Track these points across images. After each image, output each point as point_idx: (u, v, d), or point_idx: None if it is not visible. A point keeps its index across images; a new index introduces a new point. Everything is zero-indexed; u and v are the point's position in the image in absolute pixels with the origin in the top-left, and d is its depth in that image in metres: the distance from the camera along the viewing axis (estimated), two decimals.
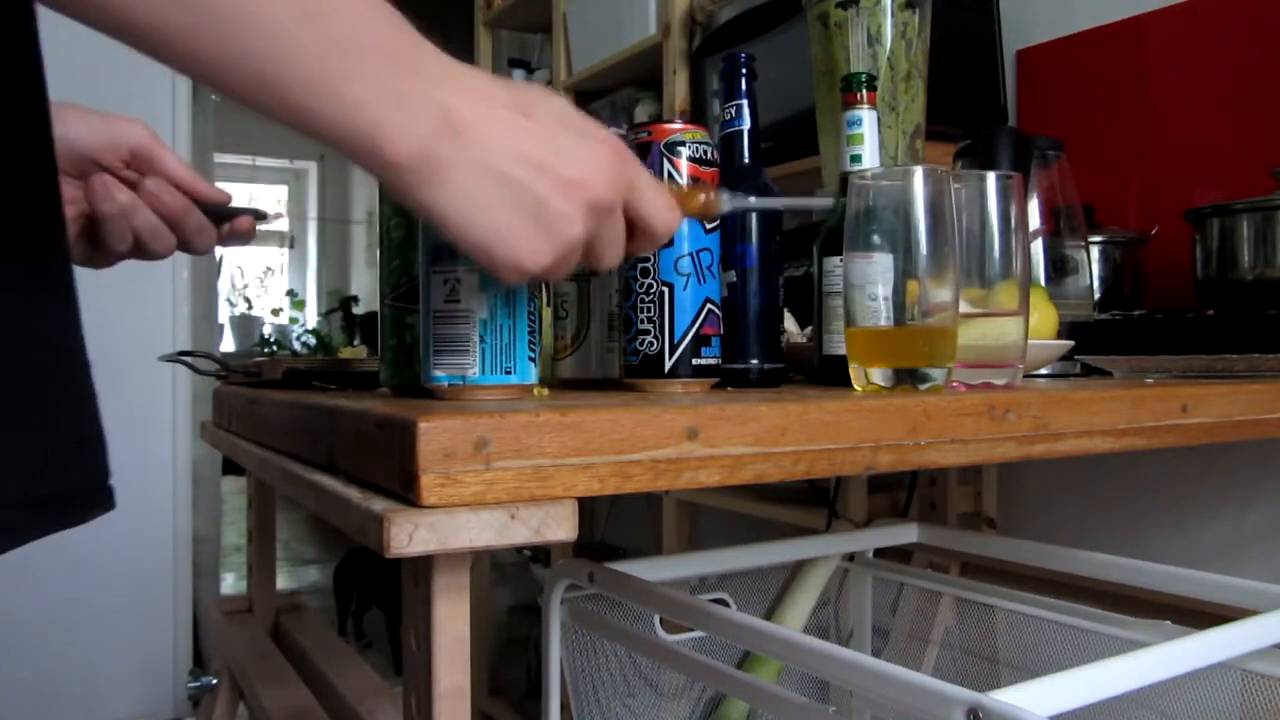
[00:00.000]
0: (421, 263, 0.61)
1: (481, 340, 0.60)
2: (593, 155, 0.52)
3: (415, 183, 0.48)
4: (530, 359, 0.62)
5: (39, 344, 0.48)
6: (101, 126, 0.70)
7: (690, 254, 0.73)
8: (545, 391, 0.75)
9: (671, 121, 0.76)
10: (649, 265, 0.73)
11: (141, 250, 0.72)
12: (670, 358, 0.73)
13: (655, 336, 0.73)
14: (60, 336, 0.50)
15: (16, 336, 0.47)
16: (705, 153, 0.75)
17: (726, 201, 0.68)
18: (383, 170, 0.47)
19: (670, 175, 0.74)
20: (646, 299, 0.74)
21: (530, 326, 0.62)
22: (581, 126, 0.53)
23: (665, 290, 0.73)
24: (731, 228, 0.79)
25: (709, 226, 0.74)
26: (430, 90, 0.47)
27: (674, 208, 0.59)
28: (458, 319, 0.60)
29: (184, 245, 0.74)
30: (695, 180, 0.74)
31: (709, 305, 0.74)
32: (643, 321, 0.74)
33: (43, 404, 0.48)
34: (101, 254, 0.73)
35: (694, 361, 0.73)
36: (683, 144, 0.74)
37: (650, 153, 0.74)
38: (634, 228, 0.57)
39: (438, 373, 0.60)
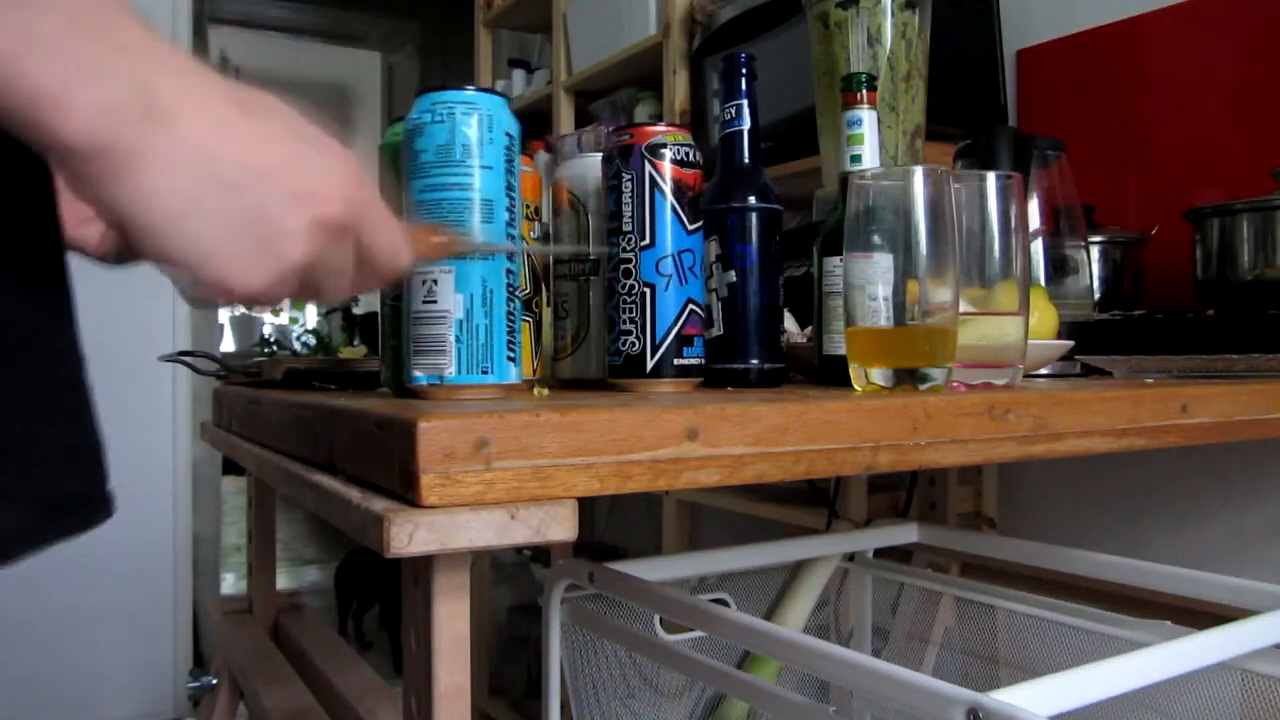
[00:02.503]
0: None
1: (457, 340, 0.60)
2: (326, 168, 0.45)
3: (99, 173, 0.39)
4: (509, 359, 0.62)
5: (41, 347, 0.48)
6: None
7: (672, 255, 0.74)
8: (545, 391, 0.75)
9: (654, 124, 0.76)
10: (631, 266, 0.74)
11: None
12: (652, 358, 0.74)
13: (637, 337, 0.74)
14: (60, 339, 0.50)
15: (20, 339, 0.47)
16: (688, 155, 0.75)
17: (466, 243, 0.61)
18: (55, 152, 0.38)
19: (652, 180, 0.74)
20: (628, 300, 0.74)
21: (509, 326, 0.62)
22: (314, 135, 0.46)
23: (647, 291, 0.74)
24: (731, 228, 0.79)
25: (691, 228, 0.75)
26: (124, 60, 0.38)
27: (403, 246, 0.51)
28: (434, 319, 0.60)
29: None
30: (678, 184, 0.74)
31: (691, 306, 0.74)
32: (625, 322, 0.75)
33: (45, 408, 0.48)
34: (130, 254, 0.72)
35: (676, 361, 0.74)
36: (664, 146, 0.75)
37: (632, 155, 0.75)
38: (360, 258, 0.49)
39: (417, 373, 0.61)
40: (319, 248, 0.45)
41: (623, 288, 0.75)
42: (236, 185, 0.41)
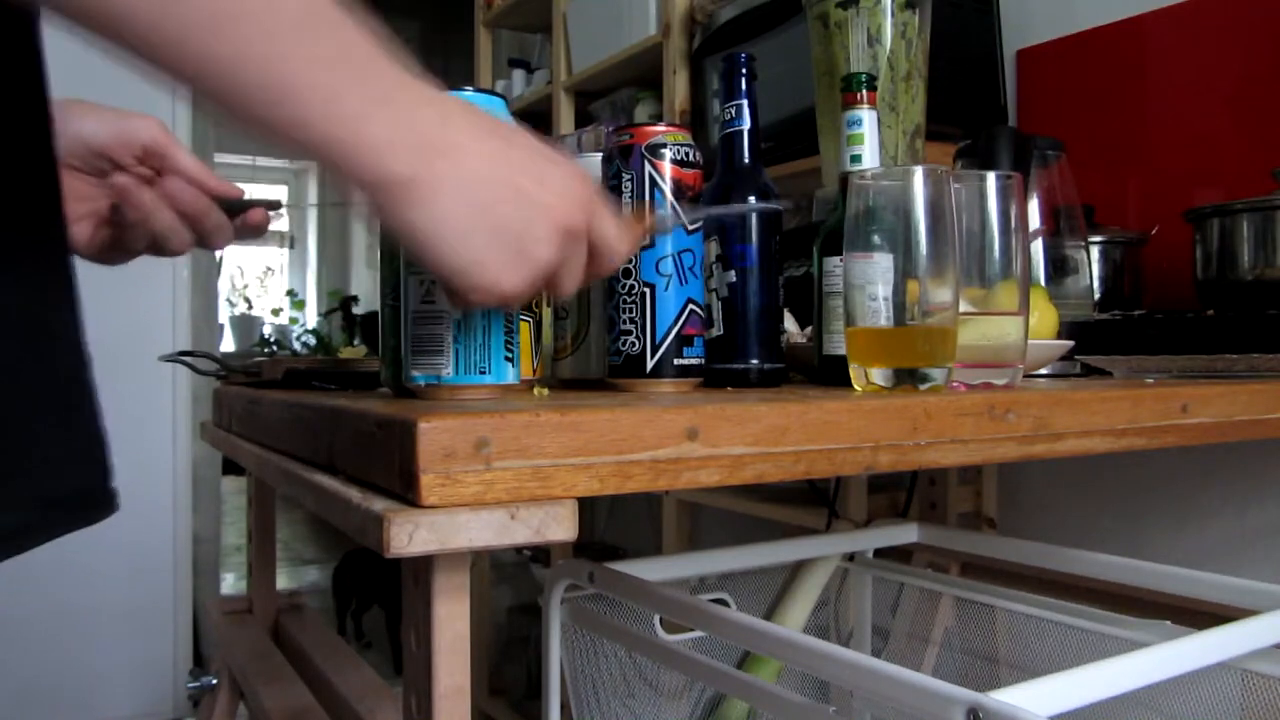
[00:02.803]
0: (402, 264, 0.62)
1: (455, 341, 0.61)
2: (566, 182, 0.53)
3: (400, 202, 0.47)
4: (507, 359, 0.62)
5: (46, 343, 0.48)
6: (114, 122, 0.69)
7: (672, 255, 0.74)
8: (545, 391, 0.75)
9: (654, 124, 0.76)
10: (630, 266, 0.74)
11: (159, 248, 0.72)
12: (652, 358, 0.74)
13: (637, 337, 0.74)
14: (65, 336, 0.50)
15: (26, 335, 0.47)
16: (688, 154, 0.75)
17: (664, 221, 0.71)
18: (368, 188, 0.46)
19: (652, 180, 0.74)
20: (628, 300, 0.74)
21: (507, 327, 0.62)
22: (550, 155, 0.53)
23: (647, 291, 0.74)
24: (731, 228, 0.79)
25: (691, 228, 0.75)
26: (422, 109, 0.47)
27: (629, 236, 0.59)
28: (432, 320, 0.61)
29: (201, 242, 0.73)
30: (678, 184, 0.75)
31: (691, 306, 0.74)
32: (625, 322, 0.75)
33: (50, 404, 0.48)
34: (119, 252, 0.73)
35: (676, 362, 0.74)
36: (664, 146, 0.75)
37: (632, 155, 0.75)
38: (591, 253, 0.57)
39: (415, 373, 0.62)
40: (563, 250, 0.53)
41: (622, 288, 0.75)
42: (505, 203, 0.50)
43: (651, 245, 0.74)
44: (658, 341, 0.74)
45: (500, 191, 0.49)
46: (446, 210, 0.48)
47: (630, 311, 0.74)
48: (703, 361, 0.76)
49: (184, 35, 0.40)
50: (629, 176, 0.75)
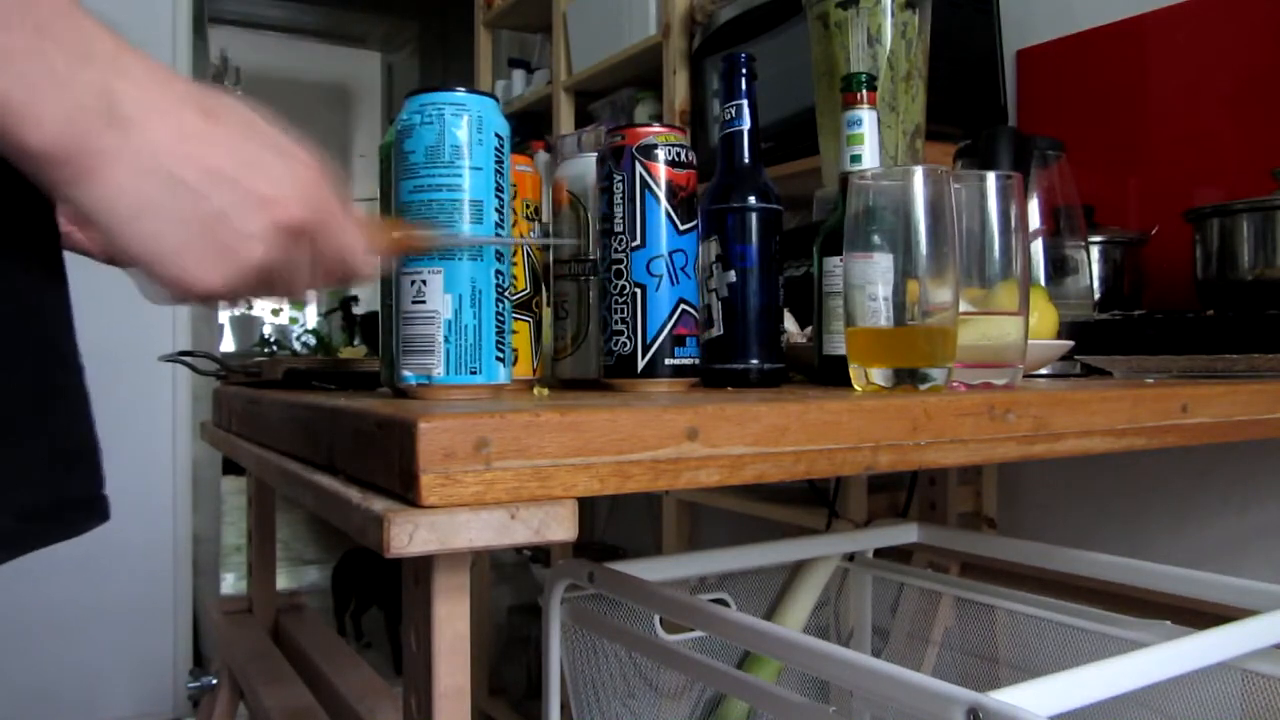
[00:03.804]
0: (394, 263, 0.62)
1: (446, 340, 0.60)
2: (287, 172, 0.47)
3: (64, 178, 0.40)
4: (498, 359, 0.62)
5: (37, 349, 0.48)
6: None
7: (664, 255, 0.74)
8: (545, 391, 0.75)
9: (646, 124, 0.76)
10: (623, 267, 0.74)
11: None
12: (643, 358, 0.74)
13: (629, 337, 0.74)
14: (56, 340, 0.50)
15: (15, 341, 0.46)
16: (680, 155, 0.75)
17: (433, 238, 0.61)
18: (23, 160, 0.40)
19: (643, 181, 0.74)
20: (620, 300, 0.75)
21: (498, 327, 0.62)
22: (277, 141, 0.47)
23: (638, 291, 0.74)
24: (731, 228, 0.79)
25: (683, 228, 0.75)
26: (88, 71, 0.40)
27: (363, 246, 0.53)
28: (423, 320, 0.61)
29: None
30: (670, 185, 0.74)
31: (683, 306, 0.75)
32: (617, 323, 0.75)
33: (42, 412, 0.48)
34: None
35: (668, 361, 0.74)
36: (656, 147, 0.75)
37: (623, 156, 0.75)
38: (325, 258, 0.51)
39: (406, 372, 0.62)
40: (278, 249, 0.47)
41: (615, 288, 0.75)
42: (196, 189, 0.43)
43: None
44: (649, 341, 0.74)
45: (192, 173, 0.43)
46: (114, 189, 0.41)
47: (622, 312, 0.75)
48: (697, 361, 0.76)
49: None
50: (620, 178, 0.75)
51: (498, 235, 0.63)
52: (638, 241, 0.74)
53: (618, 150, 0.75)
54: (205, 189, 0.43)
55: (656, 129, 0.75)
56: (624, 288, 0.75)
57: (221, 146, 0.44)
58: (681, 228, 0.75)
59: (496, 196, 0.62)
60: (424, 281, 0.60)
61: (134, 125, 0.41)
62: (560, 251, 0.86)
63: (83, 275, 0.62)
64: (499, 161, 0.63)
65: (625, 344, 0.75)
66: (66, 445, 0.49)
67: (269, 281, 0.48)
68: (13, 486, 0.46)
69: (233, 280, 0.46)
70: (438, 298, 0.60)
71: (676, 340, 0.74)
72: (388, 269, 0.64)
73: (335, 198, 0.50)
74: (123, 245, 0.43)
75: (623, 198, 0.75)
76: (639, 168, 0.74)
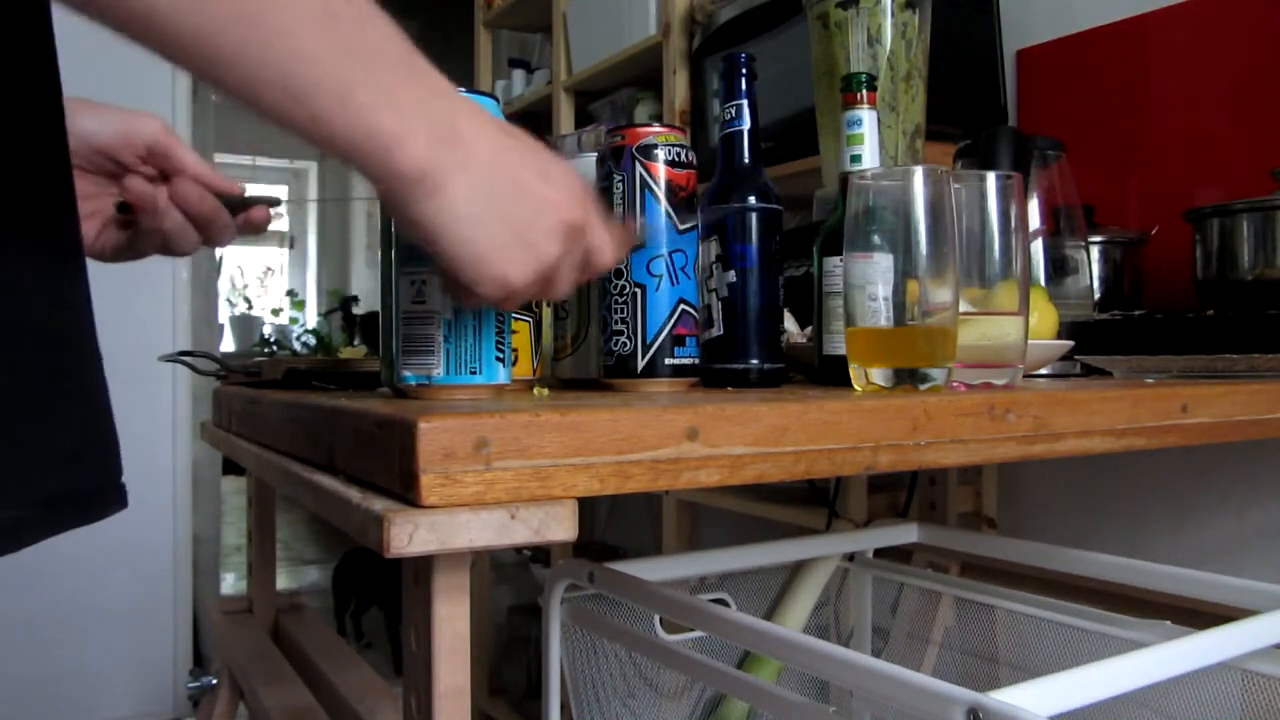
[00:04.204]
0: (394, 263, 0.62)
1: (446, 340, 0.61)
2: (565, 180, 0.54)
3: (420, 194, 0.47)
4: (498, 359, 0.62)
5: (56, 339, 0.49)
6: (118, 121, 0.69)
7: (663, 255, 0.74)
8: (545, 391, 0.75)
9: (645, 124, 0.76)
10: (622, 267, 0.74)
11: (166, 249, 0.72)
12: (642, 358, 0.74)
13: (628, 337, 0.74)
14: (75, 331, 0.50)
15: (34, 331, 0.47)
16: (679, 155, 0.75)
17: (651, 230, 0.72)
18: (389, 179, 0.47)
19: (642, 181, 0.75)
20: (620, 300, 0.75)
21: (498, 327, 0.62)
22: (551, 155, 0.54)
23: (638, 291, 0.74)
24: (732, 228, 0.79)
25: (683, 228, 0.75)
26: (433, 101, 0.47)
27: (616, 243, 0.60)
28: (423, 320, 0.61)
29: (206, 241, 0.74)
30: (670, 185, 0.75)
31: (683, 306, 0.75)
32: (616, 323, 0.75)
33: (59, 399, 0.48)
34: (129, 253, 0.73)
35: (668, 361, 0.74)
36: (655, 147, 0.75)
37: (623, 156, 0.75)
38: (585, 254, 0.57)
39: (406, 373, 0.62)
40: (565, 246, 0.54)
41: (614, 288, 0.75)
42: (513, 196, 0.50)
43: (640, 248, 0.74)
44: (648, 341, 0.74)
45: (508, 184, 0.50)
46: (456, 202, 0.48)
47: (622, 312, 0.75)
48: (696, 361, 0.76)
49: (201, 33, 0.40)
50: (620, 178, 0.75)
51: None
52: (633, 246, 0.74)
53: (617, 150, 0.75)
54: (517, 197, 0.50)
55: (656, 129, 0.75)
56: (624, 288, 0.75)
57: (523, 161, 0.51)
58: (681, 227, 0.75)
59: None
60: (424, 282, 0.60)
61: (470, 145, 0.48)
62: None
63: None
64: None
65: (625, 344, 0.75)
66: (83, 431, 0.50)
67: (551, 277, 0.55)
68: (39, 472, 0.47)
69: (535, 275, 0.52)
70: (438, 298, 0.60)
71: (676, 340, 0.74)
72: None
73: (595, 201, 0.57)
74: (457, 249, 0.49)
75: (622, 198, 0.75)
76: (639, 168, 0.74)
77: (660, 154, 0.75)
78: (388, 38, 0.46)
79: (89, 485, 0.51)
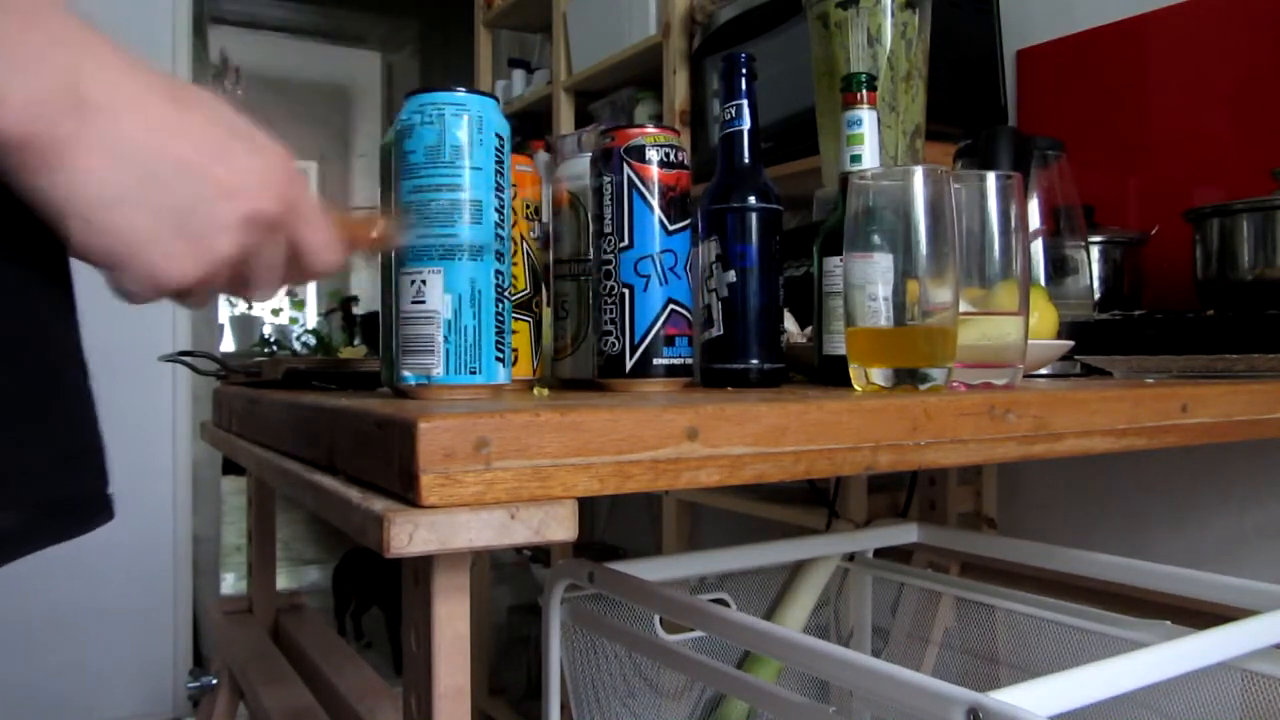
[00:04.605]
0: (393, 263, 0.62)
1: (445, 340, 0.61)
2: (257, 163, 0.46)
3: (28, 166, 0.39)
4: (498, 359, 0.62)
5: (40, 348, 0.48)
6: None
7: (651, 256, 0.74)
8: (545, 391, 0.75)
9: (636, 125, 0.76)
10: (611, 268, 0.74)
11: None
12: (631, 358, 0.74)
13: (617, 337, 0.75)
14: (60, 340, 0.50)
15: (19, 340, 0.46)
16: (669, 155, 0.75)
17: (403, 235, 0.62)
18: None
19: (631, 183, 0.74)
20: (610, 301, 0.75)
21: (498, 327, 0.62)
22: (246, 131, 0.46)
23: (626, 292, 0.74)
24: (731, 228, 0.79)
25: (673, 228, 0.75)
26: (57, 54, 0.39)
27: (335, 242, 0.52)
28: (422, 320, 0.61)
29: None
30: (660, 186, 0.74)
31: (672, 306, 0.75)
32: (606, 323, 0.75)
33: (45, 408, 0.48)
34: None
35: (657, 361, 0.74)
36: (644, 148, 0.75)
37: (612, 158, 0.75)
38: (292, 254, 0.50)
39: (405, 372, 0.62)
40: (250, 242, 0.46)
41: (604, 289, 0.76)
42: (166, 179, 0.42)
43: (390, 248, 0.64)
44: (637, 341, 0.74)
45: (162, 163, 0.42)
46: (83, 178, 0.40)
47: (611, 312, 0.75)
48: (688, 361, 0.76)
49: None
50: (609, 179, 0.75)
51: (497, 235, 0.63)
52: (626, 242, 0.74)
53: (607, 152, 0.76)
54: (175, 179, 0.42)
55: (646, 130, 0.76)
56: (612, 288, 0.75)
57: (192, 136, 0.43)
58: (671, 228, 0.75)
59: (496, 196, 0.62)
60: (424, 281, 0.60)
61: (102, 112, 0.40)
62: (560, 251, 0.86)
63: (82, 276, 0.62)
64: (499, 161, 0.63)
65: (614, 344, 0.75)
66: (73, 443, 0.50)
67: (239, 276, 0.47)
68: (21, 483, 0.46)
69: (203, 273, 0.44)
70: (437, 298, 0.60)
71: (666, 340, 0.75)
72: (377, 265, 0.63)
73: (305, 191, 0.49)
74: (90, 238, 0.42)
75: (611, 199, 0.75)
76: (627, 169, 0.75)
77: (649, 155, 0.75)
78: None
79: (77, 496, 0.50)
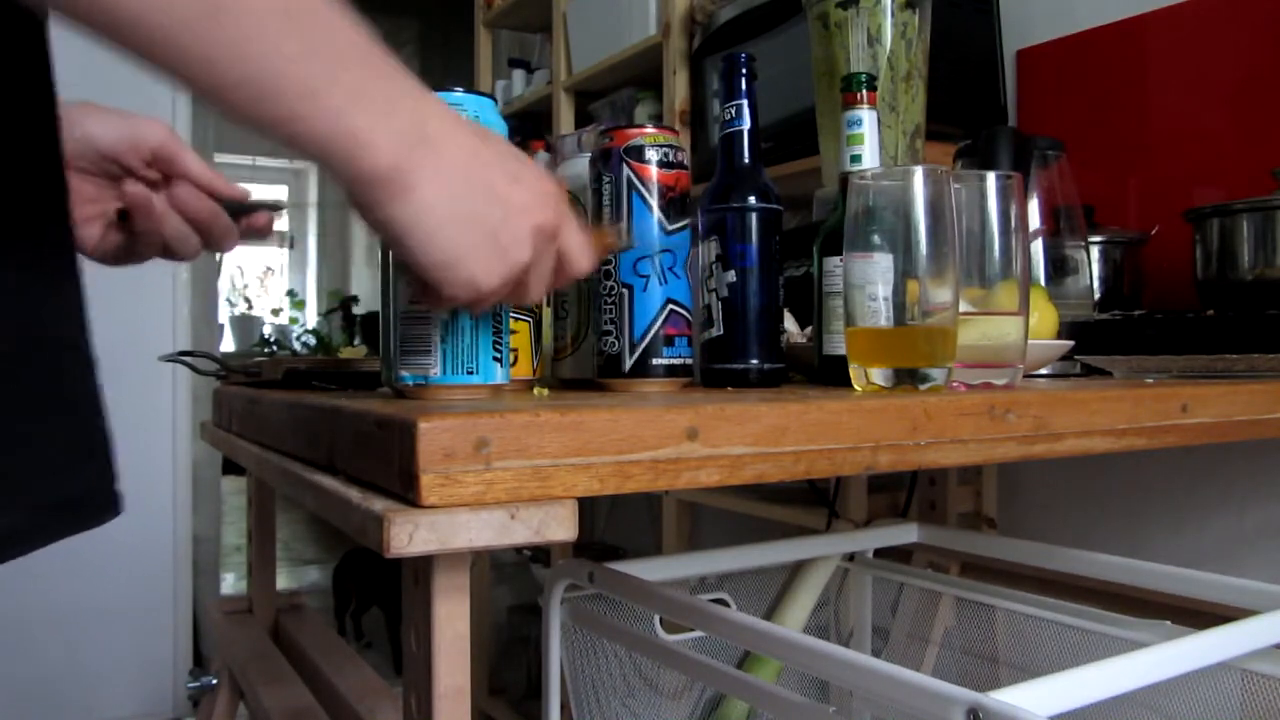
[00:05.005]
0: (391, 264, 0.62)
1: (442, 341, 0.61)
2: (536, 183, 0.53)
3: (381, 196, 0.47)
4: (495, 359, 0.62)
5: (51, 345, 0.48)
6: (122, 126, 0.69)
7: (650, 256, 0.74)
8: (545, 391, 0.75)
9: (635, 126, 0.76)
10: (611, 268, 0.74)
11: (168, 254, 0.72)
12: (630, 358, 0.74)
13: (616, 337, 0.75)
14: (70, 338, 0.50)
15: (30, 338, 0.47)
16: (668, 155, 0.76)
17: (623, 239, 0.72)
18: (358, 181, 0.46)
19: (629, 183, 0.75)
20: (608, 301, 0.75)
21: (495, 327, 0.62)
22: (520, 157, 0.54)
23: (625, 292, 0.75)
24: (731, 228, 0.79)
25: (671, 228, 0.75)
26: (403, 102, 0.47)
27: (590, 248, 0.59)
28: (420, 320, 0.61)
29: (208, 245, 0.74)
30: (659, 186, 0.75)
31: (671, 306, 0.75)
32: (605, 323, 0.75)
33: (54, 406, 0.48)
34: (130, 257, 0.73)
35: (655, 361, 0.74)
36: (643, 148, 0.75)
37: (610, 158, 0.75)
38: (558, 260, 0.57)
39: (403, 373, 0.62)
40: (537, 250, 0.53)
41: (603, 289, 0.76)
42: (484, 199, 0.50)
43: (628, 250, 0.74)
44: (636, 341, 0.74)
45: (479, 187, 0.49)
46: (425, 203, 0.47)
47: (610, 312, 0.75)
48: (687, 361, 0.76)
49: (168, 31, 0.40)
50: (608, 179, 0.75)
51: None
52: (612, 254, 0.74)
53: (606, 152, 0.76)
54: (489, 200, 0.50)
55: (644, 130, 0.76)
56: (612, 288, 0.75)
57: (495, 163, 0.51)
58: (670, 228, 0.75)
59: None
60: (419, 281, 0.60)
61: (440, 146, 0.48)
62: None
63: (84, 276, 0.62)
64: None
65: (614, 344, 0.75)
66: (86, 440, 0.50)
67: (523, 281, 0.54)
68: (41, 479, 0.47)
69: (505, 279, 0.52)
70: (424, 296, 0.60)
71: (665, 340, 0.75)
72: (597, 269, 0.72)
73: (567, 206, 0.56)
74: (426, 253, 0.49)
75: (610, 199, 0.75)
76: (625, 169, 0.75)
77: (647, 155, 0.75)
78: (355, 37, 0.45)
79: (86, 491, 0.50)
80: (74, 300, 0.51)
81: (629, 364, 0.74)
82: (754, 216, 0.79)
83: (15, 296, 0.46)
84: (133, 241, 0.71)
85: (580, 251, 0.58)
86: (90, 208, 0.69)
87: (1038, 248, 1.15)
